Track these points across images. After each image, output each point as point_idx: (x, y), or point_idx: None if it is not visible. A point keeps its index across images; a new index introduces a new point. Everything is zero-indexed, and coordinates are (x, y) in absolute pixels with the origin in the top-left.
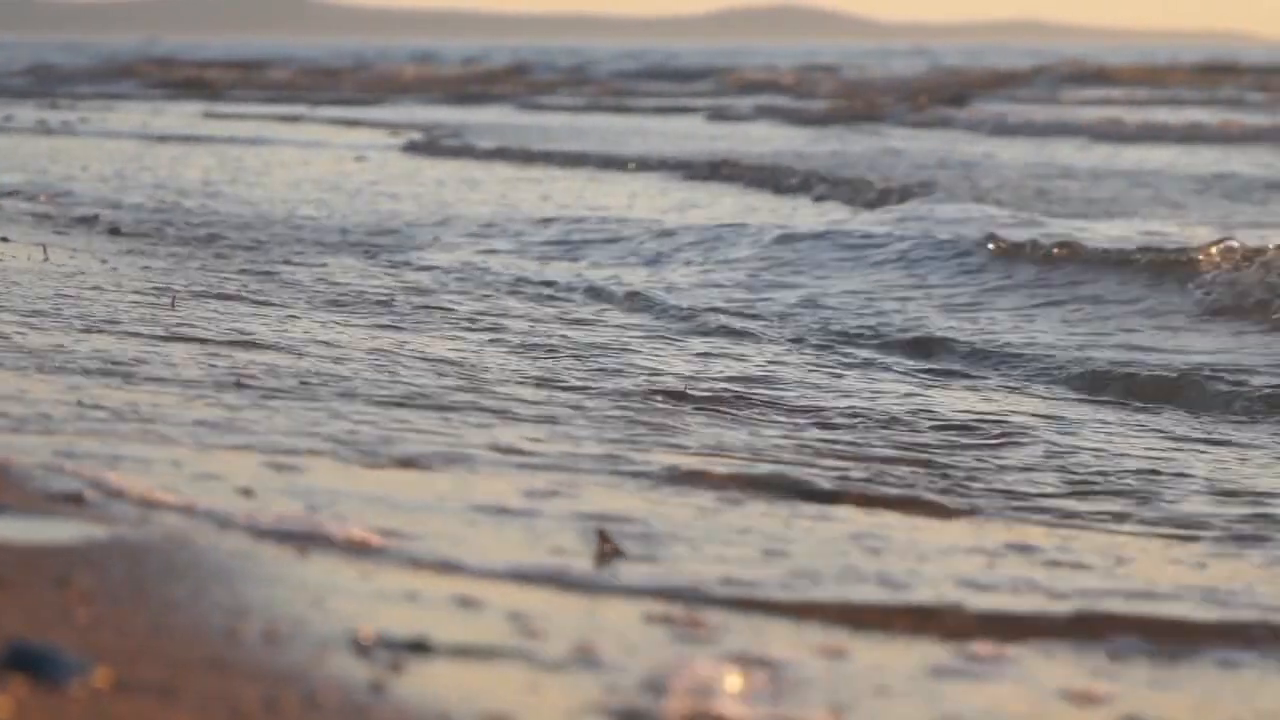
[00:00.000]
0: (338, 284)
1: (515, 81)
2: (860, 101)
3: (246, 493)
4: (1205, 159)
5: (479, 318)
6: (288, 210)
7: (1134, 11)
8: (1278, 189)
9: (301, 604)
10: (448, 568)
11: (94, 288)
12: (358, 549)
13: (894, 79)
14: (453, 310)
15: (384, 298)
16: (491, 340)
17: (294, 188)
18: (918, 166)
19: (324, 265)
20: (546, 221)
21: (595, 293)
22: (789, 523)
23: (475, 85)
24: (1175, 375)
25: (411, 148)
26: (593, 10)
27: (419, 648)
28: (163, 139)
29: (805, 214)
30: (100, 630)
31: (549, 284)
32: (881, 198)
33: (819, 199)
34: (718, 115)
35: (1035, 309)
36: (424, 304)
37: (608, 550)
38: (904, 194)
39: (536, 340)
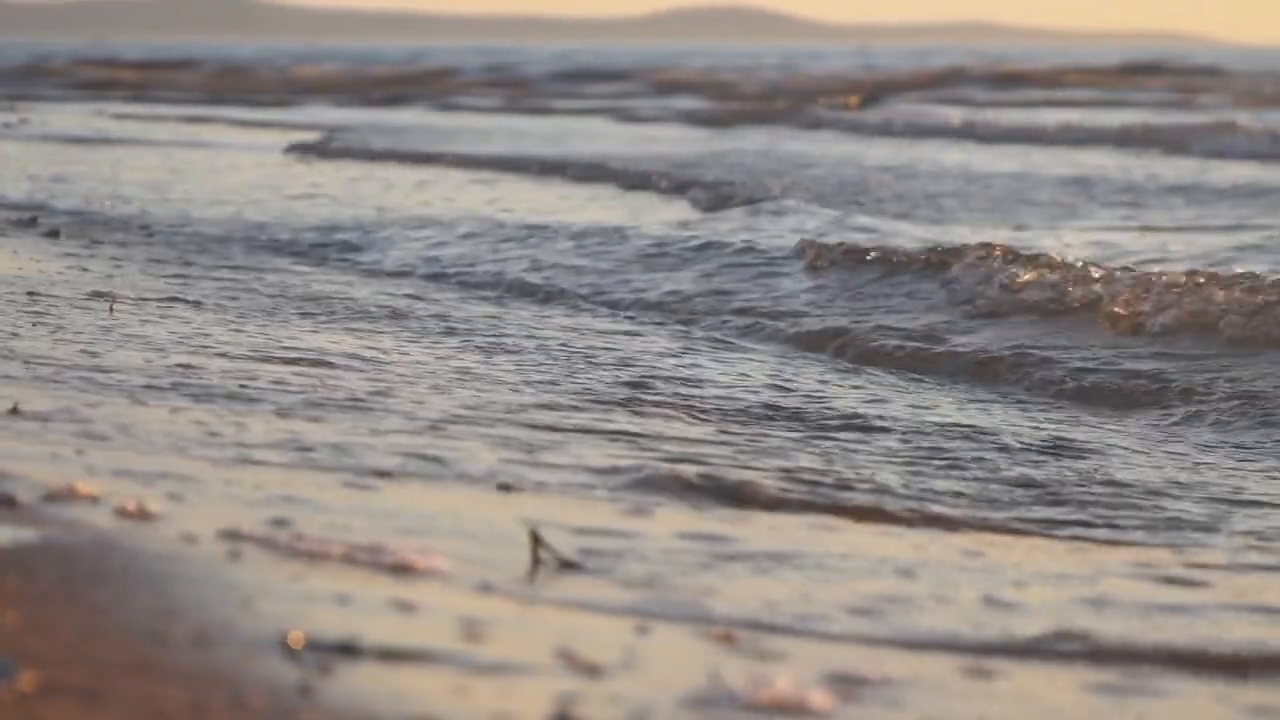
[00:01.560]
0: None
1: (439, 83)
2: (763, 103)
3: (175, 497)
4: (1066, 159)
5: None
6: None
7: (1083, 13)
8: (1097, 189)
9: (231, 606)
10: (379, 569)
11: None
12: (287, 552)
13: (809, 80)
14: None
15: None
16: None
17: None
18: (788, 167)
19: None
20: (381, 222)
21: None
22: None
23: (400, 87)
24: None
25: (295, 149)
26: (538, 11)
27: (348, 650)
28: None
29: (649, 215)
30: (28, 633)
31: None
32: (721, 201)
33: (667, 199)
34: (626, 117)
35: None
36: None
37: (551, 557)
38: (751, 196)
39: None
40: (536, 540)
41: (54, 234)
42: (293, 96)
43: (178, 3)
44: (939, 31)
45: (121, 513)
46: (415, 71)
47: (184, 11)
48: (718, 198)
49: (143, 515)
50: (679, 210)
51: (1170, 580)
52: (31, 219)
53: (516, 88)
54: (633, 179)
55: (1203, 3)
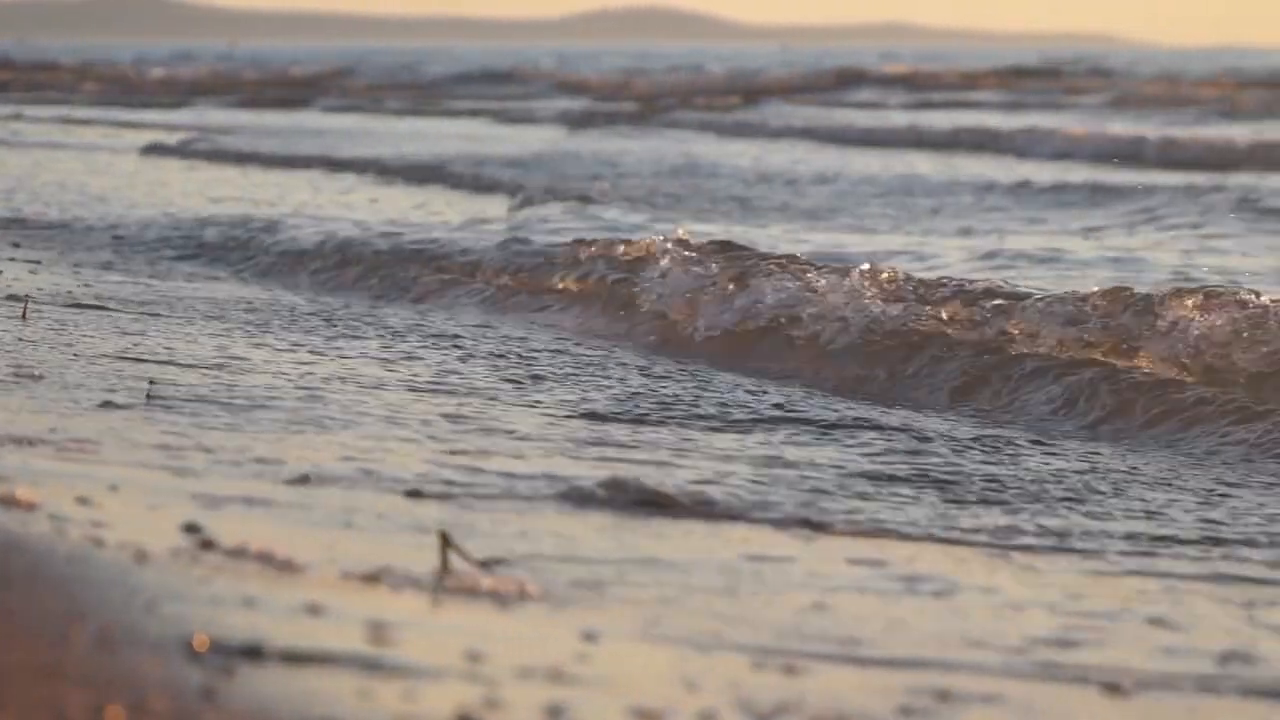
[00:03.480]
0: None
1: (337, 85)
2: (643, 104)
3: (83, 500)
4: (881, 160)
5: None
6: None
7: (1006, 15)
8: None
9: (136, 609)
10: (289, 571)
11: None
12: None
13: (690, 82)
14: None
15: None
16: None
17: None
18: (604, 167)
19: None
20: (204, 220)
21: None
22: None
23: (298, 89)
24: None
25: (151, 150)
26: (463, 13)
27: (252, 653)
28: None
29: (452, 214)
30: None
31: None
32: (525, 201)
33: (485, 197)
34: (506, 118)
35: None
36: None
37: (463, 560)
38: (559, 195)
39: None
40: (446, 543)
41: None
42: (186, 98)
43: (99, 4)
44: (860, 33)
45: (16, 508)
46: (318, 73)
47: (104, 12)
48: (526, 198)
49: (54, 518)
50: (489, 208)
51: None
52: None
53: (413, 90)
54: (467, 181)
55: (1128, 4)
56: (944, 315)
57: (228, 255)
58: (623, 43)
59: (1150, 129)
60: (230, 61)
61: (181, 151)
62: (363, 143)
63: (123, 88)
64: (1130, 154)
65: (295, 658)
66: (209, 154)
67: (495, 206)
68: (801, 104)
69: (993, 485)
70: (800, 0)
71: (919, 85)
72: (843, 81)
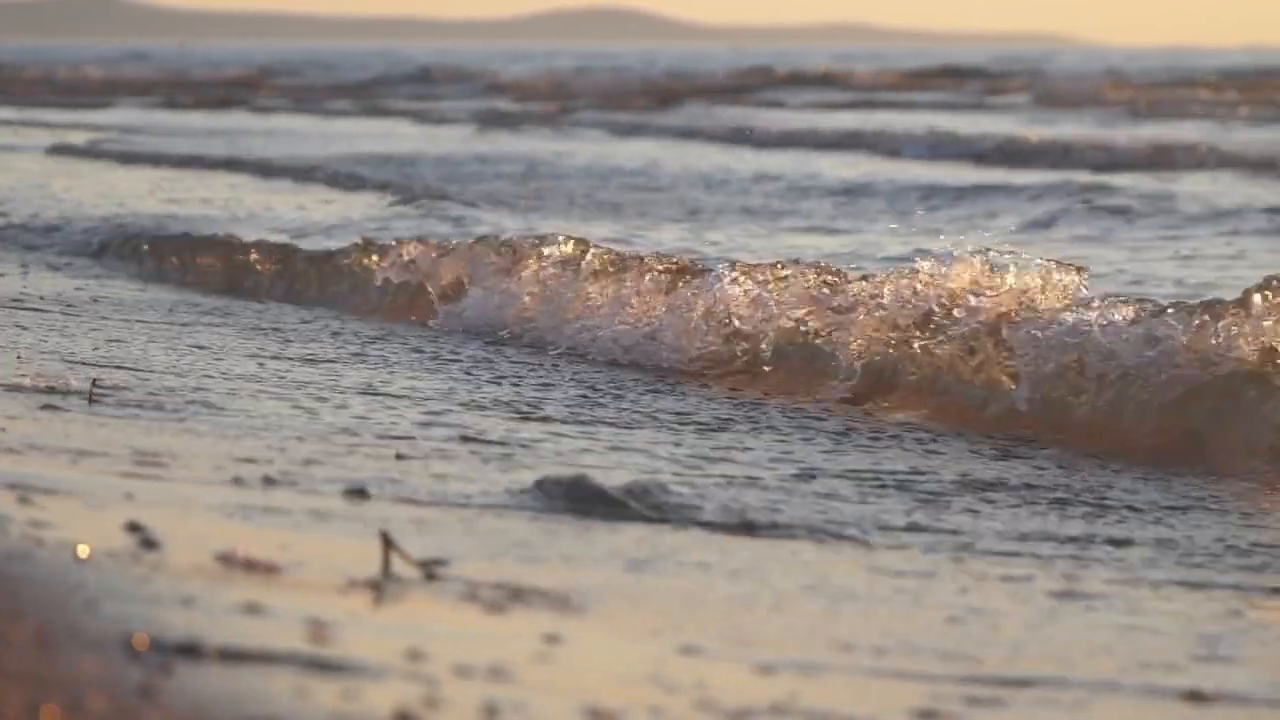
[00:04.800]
0: None
1: (271, 85)
2: (557, 104)
3: (23, 500)
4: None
5: None
6: None
7: (959, 15)
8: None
9: (76, 608)
10: (229, 572)
11: None
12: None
13: (619, 83)
14: None
15: None
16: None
17: None
18: (487, 169)
19: None
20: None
21: None
22: None
23: (234, 90)
24: None
25: (56, 150)
26: (414, 13)
27: (190, 651)
28: None
29: (317, 213)
30: None
31: None
32: (403, 200)
33: (358, 196)
34: (424, 119)
35: None
36: None
37: (403, 561)
38: (418, 195)
39: None
40: (388, 544)
41: None
42: (114, 99)
43: (52, 5)
44: (815, 33)
45: None
46: (253, 73)
47: (53, 12)
48: (405, 195)
49: None
50: (364, 207)
51: None
52: None
53: (344, 91)
54: (343, 180)
55: (1080, 5)
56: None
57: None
58: (574, 43)
59: (1037, 129)
60: (172, 62)
61: (89, 152)
62: (278, 143)
63: (52, 88)
64: (978, 154)
65: (234, 656)
66: (117, 154)
67: (363, 205)
68: (729, 105)
69: None
70: (755, 1)
71: (840, 86)
72: (763, 82)
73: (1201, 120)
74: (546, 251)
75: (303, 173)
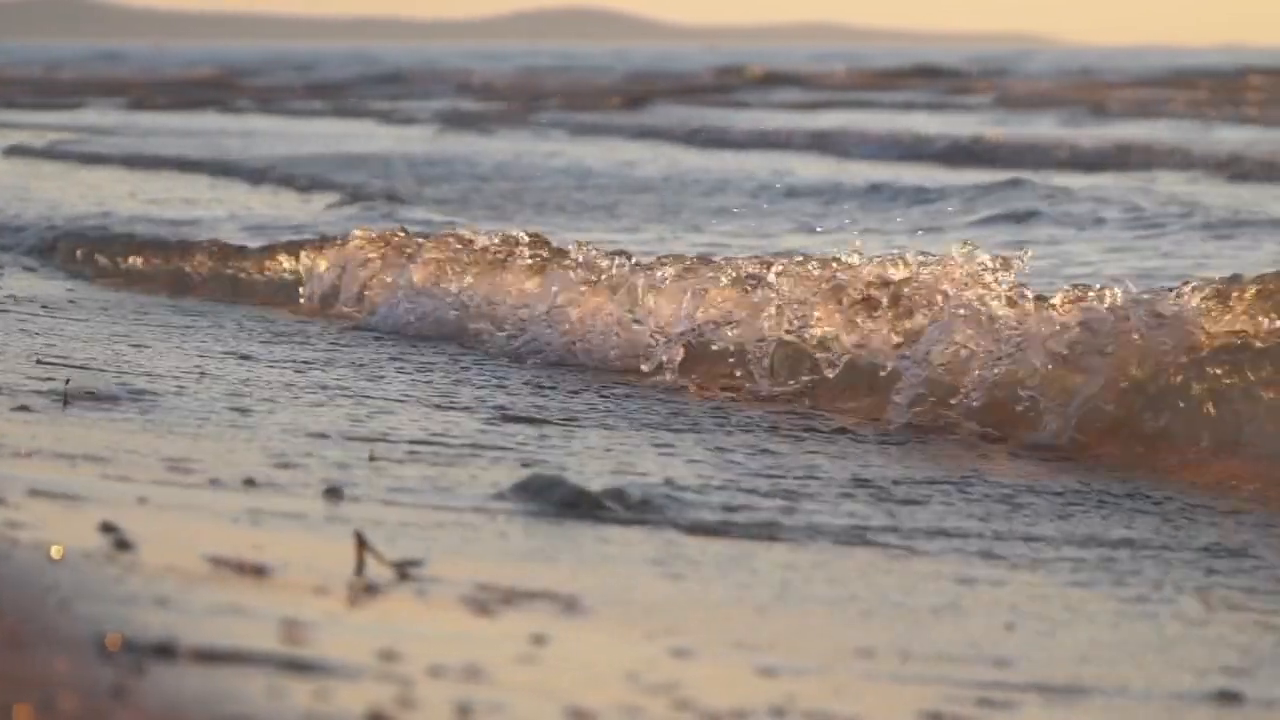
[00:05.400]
0: None
1: (241, 86)
2: (519, 105)
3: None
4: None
5: None
6: None
7: (936, 14)
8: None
9: (50, 608)
10: (204, 571)
11: None
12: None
13: (583, 83)
14: None
15: None
16: None
17: None
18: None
19: None
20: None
21: None
22: None
23: (207, 91)
24: None
25: (13, 151)
26: (392, 12)
27: (164, 651)
28: None
29: (266, 211)
30: None
31: None
32: (350, 199)
33: (309, 196)
34: (390, 119)
35: None
36: None
37: (379, 562)
38: (356, 196)
39: None
40: (362, 544)
41: None
42: (86, 99)
43: (18, 6)
44: (788, 33)
45: None
46: (222, 74)
47: (24, 14)
48: (351, 196)
49: None
50: (313, 206)
51: None
52: None
53: (313, 91)
54: (296, 181)
55: (1060, 5)
56: None
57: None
58: (551, 43)
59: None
60: (144, 63)
61: (49, 153)
62: (242, 144)
63: (20, 89)
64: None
65: (207, 656)
66: (79, 156)
67: (314, 205)
68: (694, 105)
69: None
70: (733, 1)
71: (811, 85)
72: (736, 82)
73: (1165, 120)
74: (479, 244)
75: (258, 173)
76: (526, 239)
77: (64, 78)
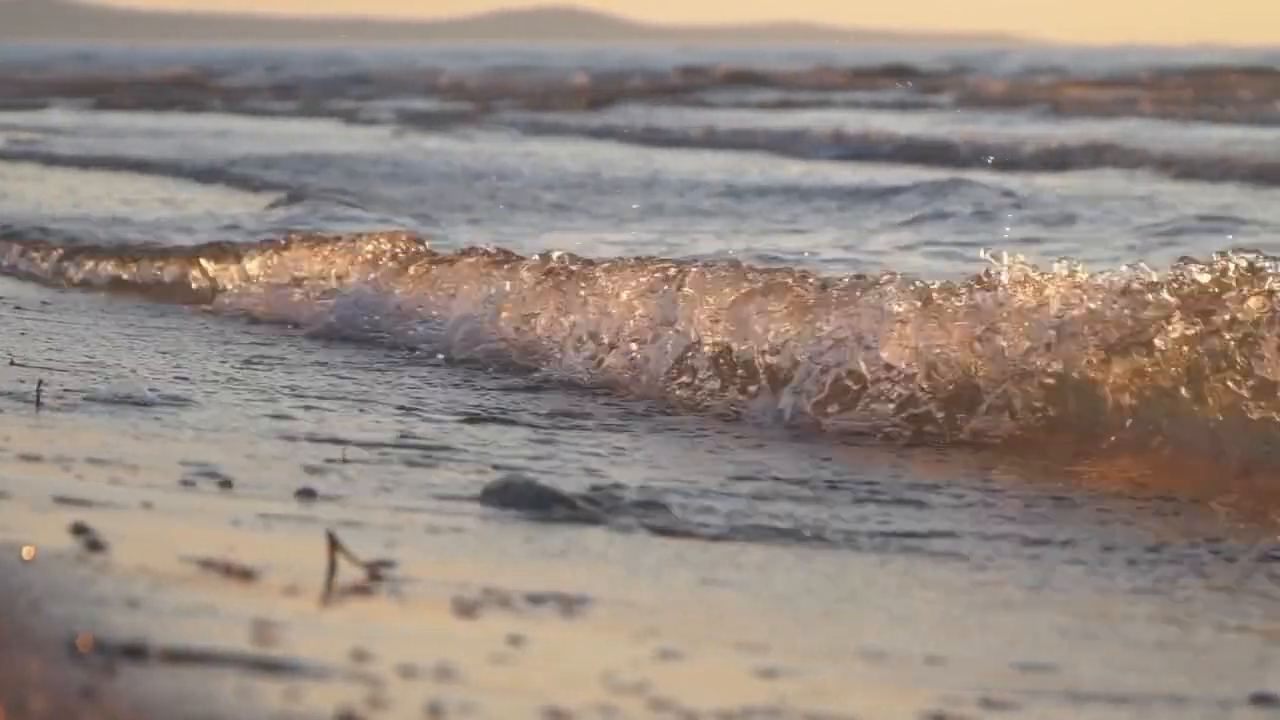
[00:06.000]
0: None
1: (210, 87)
2: (479, 104)
3: None
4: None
5: None
6: None
7: (912, 14)
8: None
9: (21, 609)
10: (176, 571)
11: None
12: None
13: (552, 83)
14: None
15: None
16: None
17: None
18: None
19: None
20: None
21: None
22: None
23: (177, 91)
24: None
25: None
26: (366, 13)
27: (134, 652)
28: None
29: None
30: None
31: None
32: (291, 199)
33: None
34: (354, 119)
35: None
36: None
37: (351, 562)
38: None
39: None
40: (334, 544)
41: None
42: (55, 99)
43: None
44: (762, 33)
45: None
46: (190, 74)
47: (10, 13)
48: (292, 195)
49: None
50: (251, 205)
51: None
52: None
53: (282, 91)
54: (246, 181)
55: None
56: None
57: None
58: (526, 43)
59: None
60: (114, 63)
61: (6, 154)
62: (203, 144)
63: None
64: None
65: (178, 657)
66: (41, 157)
67: (258, 205)
68: (659, 105)
69: None
70: (705, 1)
71: (780, 85)
72: (704, 82)
73: (1125, 119)
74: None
75: (211, 174)
76: (491, 249)
77: (30, 78)
